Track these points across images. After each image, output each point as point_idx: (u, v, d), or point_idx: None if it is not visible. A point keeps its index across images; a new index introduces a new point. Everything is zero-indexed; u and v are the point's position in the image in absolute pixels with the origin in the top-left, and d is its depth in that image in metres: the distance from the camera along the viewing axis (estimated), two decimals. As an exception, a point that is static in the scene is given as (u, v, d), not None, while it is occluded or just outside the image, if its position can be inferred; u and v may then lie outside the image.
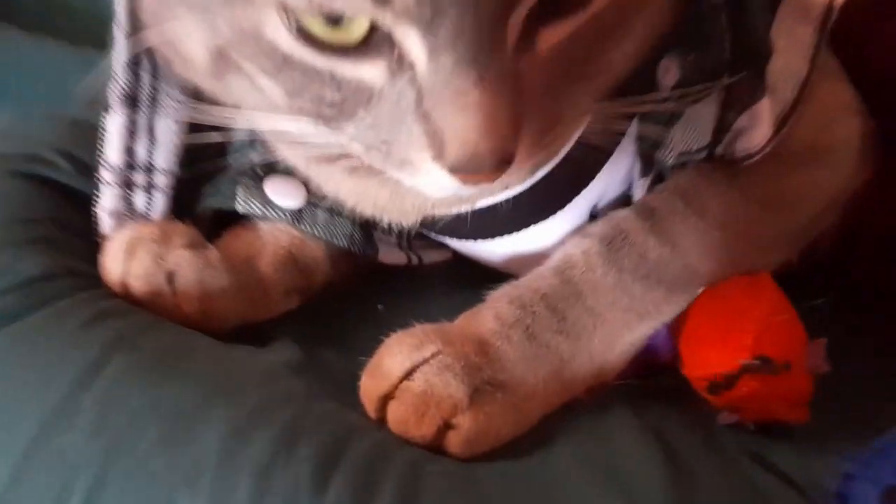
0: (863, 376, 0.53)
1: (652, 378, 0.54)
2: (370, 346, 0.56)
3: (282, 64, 0.40)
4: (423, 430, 0.46)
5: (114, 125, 0.54)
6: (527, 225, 0.56)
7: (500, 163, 0.40)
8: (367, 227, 0.60)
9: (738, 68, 0.51)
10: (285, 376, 0.48)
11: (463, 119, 0.38)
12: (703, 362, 0.51)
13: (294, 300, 0.58)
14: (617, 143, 0.54)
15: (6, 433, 0.41)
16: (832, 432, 0.50)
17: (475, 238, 0.58)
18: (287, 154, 0.55)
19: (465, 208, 0.55)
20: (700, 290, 0.54)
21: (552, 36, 0.40)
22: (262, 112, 0.45)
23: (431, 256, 0.65)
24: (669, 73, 0.50)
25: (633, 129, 0.53)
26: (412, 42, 0.38)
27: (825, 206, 0.58)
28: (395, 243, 0.63)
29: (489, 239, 0.58)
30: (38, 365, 0.43)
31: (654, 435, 0.49)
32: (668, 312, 0.53)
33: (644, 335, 0.53)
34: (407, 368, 0.47)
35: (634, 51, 0.46)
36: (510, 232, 0.57)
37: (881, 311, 0.58)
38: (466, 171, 0.40)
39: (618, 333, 0.52)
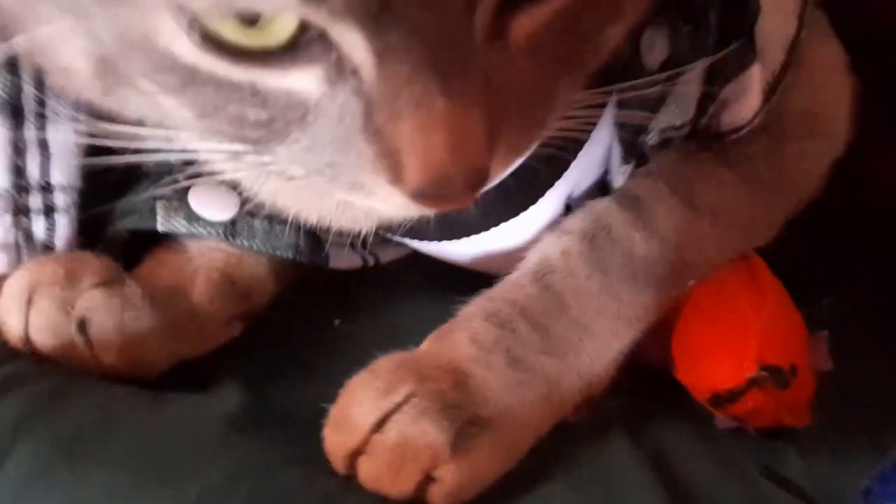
0: (867, 374, 0.49)
1: (643, 394, 0.49)
2: (328, 372, 0.49)
3: (186, 79, 0.31)
4: (401, 487, 0.40)
5: None
6: (497, 223, 0.49)
7: (473, 185, 0.32)
8: (314, 232, 0.52)
9: (728, 36, 0.44)
10: (233, 439, 0.40)
11: (425, 136, 0.30)
12: (703, 375, 0.46)
13: (234, 328, 0.50)
14: (592, 129, 0.47)
15: None
16: (839, 435, 0.46)
17: (440, 239, 0.51)
18: (215, 161, 0.46)
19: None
20: (691, 285, 0.48)
21: (527, 24, 0.32)
22: (172, 130, 0.36)
23: (389, 254, 0.58)
24: (655, 49, 0.42)
25: (610, 111, 0.46)
26: (354, 44, 0.29)
27: (819, 179, 0.52)
28: (348, 244, 0.55)
29: (456, 240, 0.50)
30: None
31: (654, 461, 0.44)
32: (658, 314, 0.48)
33: (633, 341, 0.47)
34: (377, 419, 0.40)
35: (624, 32, 0.38)
36: (479, 231, 0.50)
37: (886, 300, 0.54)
38: (432, 196, 0.32)
39: (606, 344, 0.46)
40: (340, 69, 0.30)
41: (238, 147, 0.34)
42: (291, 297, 0.53)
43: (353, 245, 0.56)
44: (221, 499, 0.35)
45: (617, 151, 0.48)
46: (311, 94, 0.31)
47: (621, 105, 0.44)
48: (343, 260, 0.54)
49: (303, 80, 0.31)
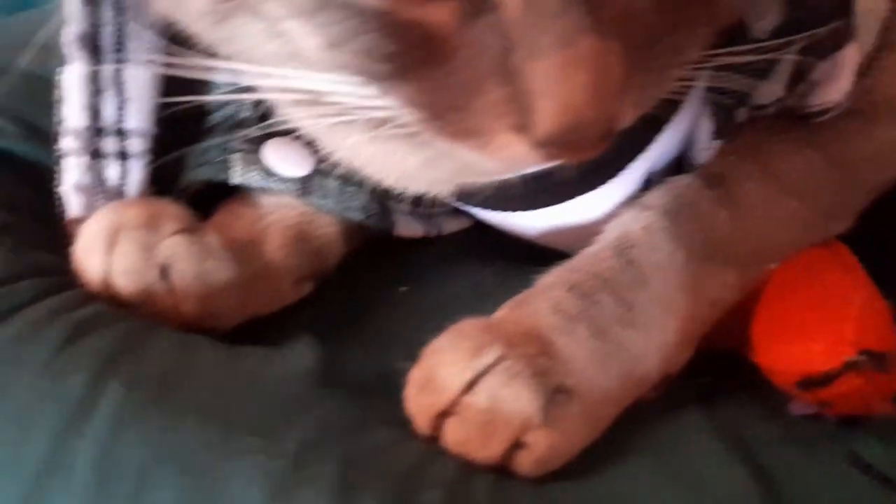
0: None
1: (716, 373, 0.47)
2: (396, 336, 0.48)
3: (321, 3, 0.30)
4: (489, 452, 0.38)
5: (72, 78, 0.42)
6: (577, 194, 0.48)
7: (605, 134, 0.31)
8: (382, 196, 0.50)
9: (829, 12, 0.43)
10: (316, 394, 0.38)
11: (567, 77, 0.28)
12: (791, 357, 0.44)
13: (305, 288, 0.48)
14: (684, 99, 0.46)
15: None
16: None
17: (517, 209, 0.49)
18: (292, 114, 0.44)
19: (508, 175, 0.45)
20: (773, 267, 0.46)
21: None
22: (281, 68, 0.34)
23: (451, 226, 0.56)
24: (767, 16, 0.41)
25: (699, 86, 0.45)
26: None
27: None
28: (411, 213, 0.54)
29: (533, 210, 0.49)
30: (9, 410, 0.33)
31: (734, 441, 0.43)
32: (739, 295, 0.46)
33: (712, 321, 0.46)
34: (467, 380, 0.38)
35: None
36: (559, 202, 0.48)
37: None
38: (560, 145, 0.30)
39: (688, 322, 0.45)
40: (480, 2, 0.29)
41: (356, 84, 0.32)
42: (357, 262, 0.52)
43: (417, 214, 0.54)
44: (318, 453, 0.33)
45: (705, 127, 0.46)
46: (447, 28, 0.29)
47: (729, 71, 0.42)
48: (409, 228, 0.53)
49: (440, 13, 0.29)
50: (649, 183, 0.49)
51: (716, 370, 0.47)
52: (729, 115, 0.44)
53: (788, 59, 0.44)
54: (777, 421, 0.45)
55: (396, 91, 0.32)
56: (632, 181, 0.48)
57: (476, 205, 0.50)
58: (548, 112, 0.29)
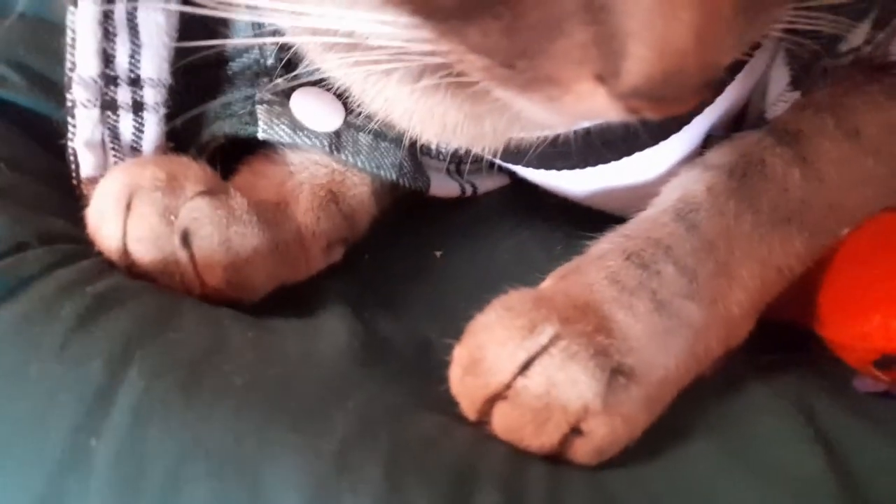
0: None
1: (776, 347, 0.44)
2: (434, 305, 0.44)
3: None
4: (544, 440, 0.34)
5: (84, 20, 0.38)
6: (633, 151, 0.43)
7: (703, 85, 0.26)
8: (415, 153, 0.46)
9: None
10: (356, 375, 0.35)
11: (668, 16, 0.24)
12: (868, 333, 0.40)
13: (336, 253, 0.45)
14: (758, 45, 0.41)
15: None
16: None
17: (565, 168, 0.44)
18: (322, 62, 0.39)
19: (561, 130, 0.41)
20: (845, 232, 0.42)
21: None
22: (321, 4, 0.30)
23: (488, 184, 0.52)
24: None
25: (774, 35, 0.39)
26: None
27: None
28: (445, 170, 0.49)
29: (582, 169, 0.44)
30: (22, 402, 0.29)
31: (802, 420, 0.39)
32: (809, 263, 0.42)
33: (780, 292, 0.42)
34: (522, 362, 0.34)
35: None
36: (612, 160, 0.43)
37: None
38: (654, 96, 0.26)
39: (754, 293, 0.40)
40: None
41: (407, 27, 0.27)
42: (388, 225, 0.48)
43: (450, 171, 0.50)
44: (361, 452, 0.29)
45: (779, 77, 0.41)
46: None
47: (811, 14, 0.37)
48: (443, 186, 0.49)
49: None
50: (709, 139, 0.44)
51: (779, 344, 0.44)
52: (809, 63, 0.39)
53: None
54: (844, 398, 0.42)
55: (459, 34, 0.27)
56: (693, 137, 0.44)
57: (520, 163, 0.45)
58: (642, 57, 0.24)
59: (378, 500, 0.27)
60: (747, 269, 0.40)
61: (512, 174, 0.52)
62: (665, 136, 0.42)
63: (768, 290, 0.41)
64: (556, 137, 0.41)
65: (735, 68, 0.41)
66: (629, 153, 0.42)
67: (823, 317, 0.42)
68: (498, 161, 0.47)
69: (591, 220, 0.43)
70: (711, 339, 0.39)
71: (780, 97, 0.41)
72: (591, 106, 0.27)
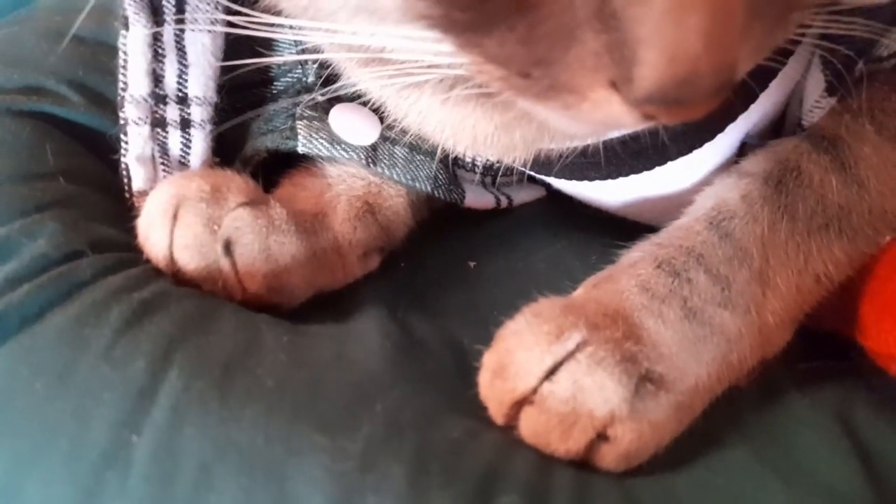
0: None
1: (817, 357, 0.42)
2: (468, 313, 0.44)
3: None
4: (571, 445, 0.34)
5: (134, 42, 0.39)
6: (665, 161, 0.42)
7: (719, 89, 0.26)
8: (449, 166, 0.46)
9: None
10: (387, 378, 0.35)
11: (677, 22, 0.24)
12: (912, 340, 0.38)
13: (372, 262, 0.45)
14: (791, 52, 0.40)
15: (38, 497, 0.29)
16: None
17: (597, 179, 0.44)
18: (359, 77, 0.40)
19: (590, 140, 0.40)
20: (887, 240, 0.40)
21: None
22: (350, 22, 0.30)
23: (522, 196, 0.52)
24: None
25: (808, 40, 0.38)
26: None
27: None
28: (480, 182, 0.49)
29: (615, 179, 0.44)
30: (70, 398, 0.30)
31: (842, 428, 0.38)
32: (849, 271, 0.40)
33: (819, 301, 0.40)
34: (548, 367, 0.34)
35: None
36: (644, 170, 0.43)
37: None
38: (668, 101, 0.25)
39: (791, 302, 0.39)
40: None
41: (431, 40, 0.28)
42: (424, 236, 0.48)
43: (485, 184, 0.50)
44: (386, 453, 0.29)
45: (815, 82, 0.40)
46: None
47: (842, 19, 0.36)
48: (477, 199, 0.49)
49: None
50: (744, 147, 0.43)
51: (816, 353, 0.42)
52: (844, 68, 0.38)
53: None
54: (886, 409, 0.40)
55: (476, 45, 0.27)
56: (727, 145, 0.43)
57: (552, 174, 0.45)
58: (654, 63, 0.24)
59: (400, 500, 0.27)
60: (783, 278, 0.39)
61: (548, 186, 0.52)
62: (698, 146, 0.41)
63: (806, 299, 0.40)
64: (586, 148, 0.41)
65: (768, 76, 0.40)
66: (660, 163, 0.42)
67: (865, 326, 0.41)
68: (530, 172, 0.47)
69: (627, 230, 0.42)
70: (745, 348, 0.38)
71: (815, 104, 0.40)
72: (608, 113, 0.27)
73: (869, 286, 0.40)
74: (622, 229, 0.43)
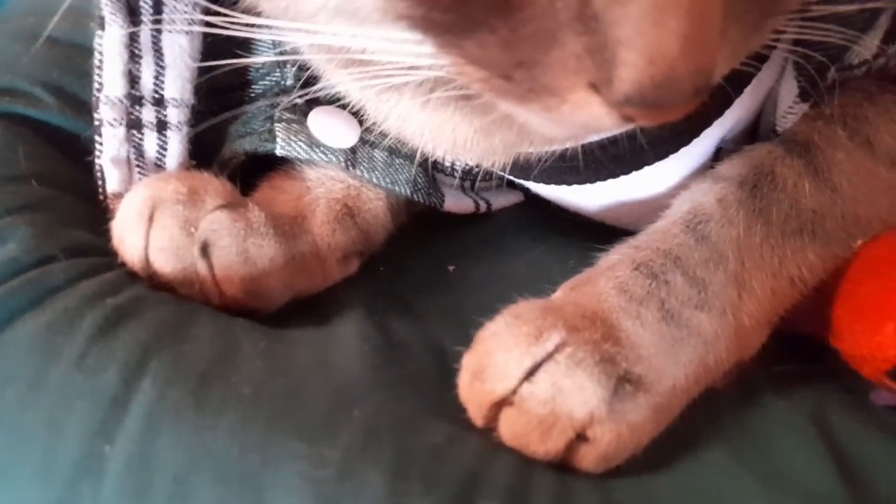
0: None
1: (792, 359, 0.42)
2: (448, 317, 0.44)
3: None
4: (550, 446, 0.33)
5: (110, 42, 0.39)
6: (643, 165, 0.42)
7: (698, 91, 0.26)
8: (428, 170, 0.46)
9: None
10: (366, 383, 0.34)
11: (656, 23, 0.24)
12: (881, 344, 0.38)
13: (352, 266, 0.44)
14: (765, 58, 0.40)
15: None
16: None
17: (575, 183, 0.44)
18: (339, 79, 0.39)
19: (569, 144, 0.40)
20: (859, 244, 0.41)
21: None
22: (330, 23, 0.30)
23: (501, 201, 0.51)
24: None
25: (782, 45, 0.38)
26: None
27: None
28: (459, 186, 0.49)
29: (593, 183, 0.43)
30: (42, 408, 0.29)
31: (817, 430, 0.38)
32: (822, 274, 0.40)
33: (793, 304, 0.40)
34: (527, 368, 0.33)
35: None
36: (622, 174, 0.43)
37: None
38: (644, 104, 0.25)
39: (766, 304, 0.39)
40: None
41: (411, 42, 0.27)
42: (403, 241, 0.48)
43: (464, 188, 0.50)
44: (365, 460, 0.28)
45: (789, 88, 0.40)
46: None
47: (816, 25, 0.36)
48: (456, 203, 0.48)
49: None
50: (719, 152, 0.43)
51: (791, 356, 0.42)
52: (817, 75, 0.38)
53: (889, 11, 0.38)
54: (860, 411, 0.40)
55: (457, 47, 0.27)
56: (703, 150, 0.43)
57: (531, 178, 0.45)
58: (633, 64, 0.24)
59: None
60: (758, 280, 0.39)
61: (526, 191, 0.52)
62: (674, 150, 0.41)
63: (781, 302, 0.40)
64: (565, 152, 0.41)
65: (743, 81, 0.40)
66: (638, 167, 0.42)
67: (838, 328, 0.41)
68: (509, 177, 0.47)
69: (606, 234, 0.42)
70: (722, 349, 0.38)
71: (789, 110, 0.40)
72: (588, 114, 0.27)
73: (842, 289, 0.41)
74: (600, 233, 0.43)
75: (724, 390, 0.40)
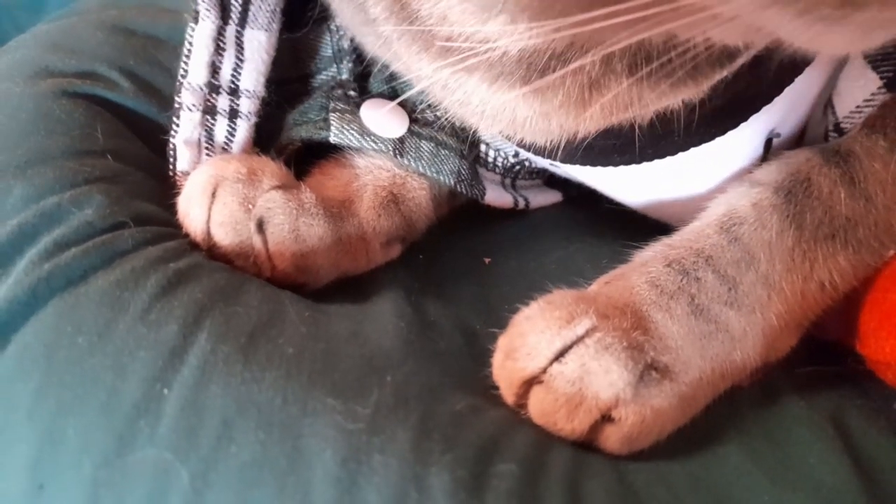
0: None
1: (818, 363, 0.42)
2: (483, 303, 0.45)
3: None
4: (575, 425, 0.35)
5: (201, 35, 0.41)
6: (688, 146, 0.42)
7: None
8: (473, 163, 0.47)
9: None
10: (399, 355, 0.36)
11: None
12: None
13: (394, 250, 0.46)
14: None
15: (74, 447, 0.30)
16: None
17: (621, 164, 0.43)
18: (414, 64, 0.39)
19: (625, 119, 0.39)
20: (892, 253, 0.40)
21: None
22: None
23: (539, 199, 0.52)
24: None
25: None
26: None
27: None
28: (500, 183, 0.50)
29: (638, 164, 0.43)
30: (109, 353, 0.32)
31: (835, 431, 0.38)
32: (853, 281, 0.40)
33: (823, 309, 0.40)
34: (558, 349, 0.35)
35: None
36: (667, 154, 0.42)
37: None
38: None
39: (795, 307, 0.39)
40: None
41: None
42: (443, 231, 0.49)
43: (505, 185, 0.51)
44: (393, 419, 0.31)
45: (861, 85, 0.39)
46: None
47: None
48: (497, 197, 0.49)
49: None
50: (770, 144, 0.43)
51: (818, 359, 0.42)
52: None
53: None
54: (881, 417, 0.40)
55: None
56: (746, 149, 0.42)
57: (584, 161, 0.45)
58: None
59: (404, 460, 0.28)
60: (788, 282, 0.39)
61: (565, 191, 0.53)
62: (720, 133, 0.40)
63: (811, 306, 0.40)
64: (611, 129, 0.40)
65: (795, 71, 0.39)
66: (685, 148, 0.41)
67: (864, 335, 0.41)
68: (554, 165, 0.47)
69: (640, 235, 0.43)
70: (749, 347, 0.39)
71: (866, 102, 0.39)
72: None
73: (870, 297, 0.41)
74: (635, 235, 0.44)
75: (749, 389, 0.40)
